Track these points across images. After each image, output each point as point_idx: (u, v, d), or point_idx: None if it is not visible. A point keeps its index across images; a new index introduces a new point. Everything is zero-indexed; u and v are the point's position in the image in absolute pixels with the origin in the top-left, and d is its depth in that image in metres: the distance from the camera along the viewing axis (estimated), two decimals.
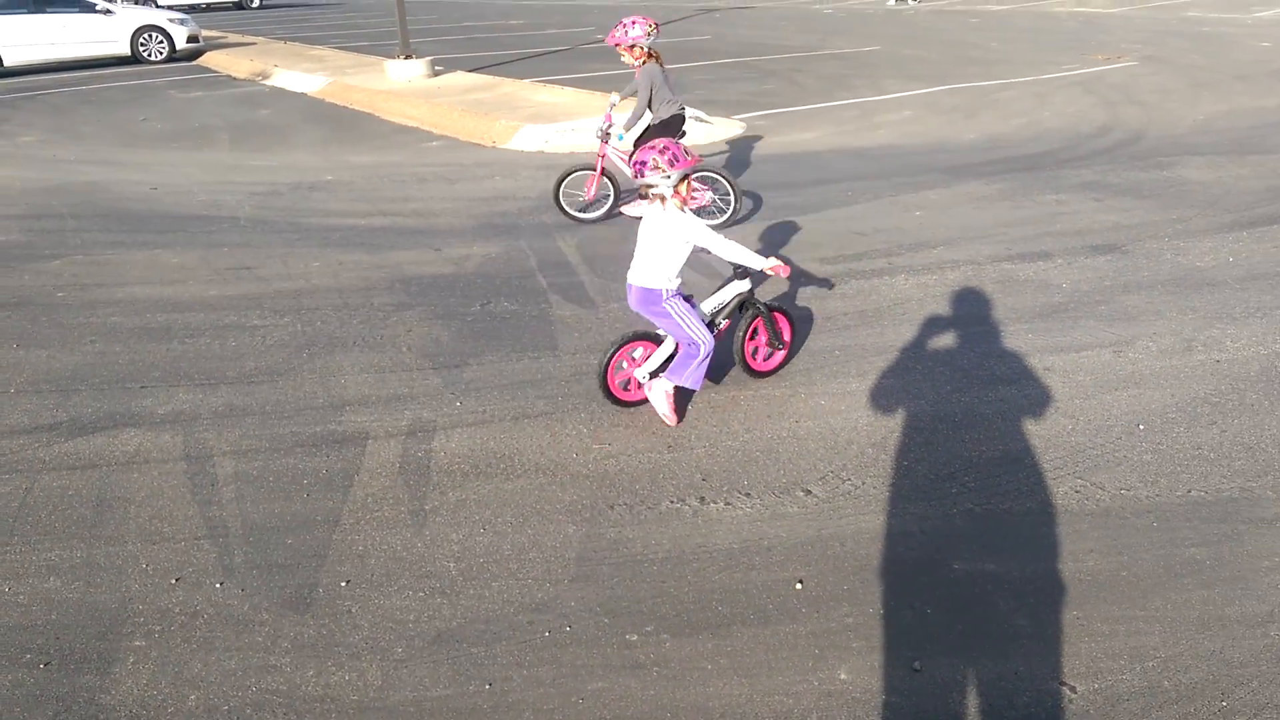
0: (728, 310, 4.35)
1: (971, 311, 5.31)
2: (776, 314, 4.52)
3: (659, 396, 4.20)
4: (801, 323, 5.23)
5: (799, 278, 5.88)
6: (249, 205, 8.13)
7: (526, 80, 14.22)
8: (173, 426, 4.26)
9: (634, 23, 6.70)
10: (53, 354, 5.08)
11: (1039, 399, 4.28)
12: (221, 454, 4.02)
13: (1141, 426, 4.01)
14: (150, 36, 19.69)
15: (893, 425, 4.11)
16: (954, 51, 17.10)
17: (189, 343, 5.19)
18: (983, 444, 3.92)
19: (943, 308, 5.38)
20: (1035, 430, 4.01)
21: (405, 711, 2.63)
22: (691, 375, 4.11)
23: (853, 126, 10.91)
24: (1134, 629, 2.85)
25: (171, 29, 19.94)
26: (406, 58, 14.94)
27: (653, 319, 4.13)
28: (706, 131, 10.69)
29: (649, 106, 6.90)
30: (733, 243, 4.04)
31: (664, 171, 3.95)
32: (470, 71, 15.50)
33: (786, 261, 4.59)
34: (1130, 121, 10.54)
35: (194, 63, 19.69)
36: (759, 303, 4.40)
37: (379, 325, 5.39)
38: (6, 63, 18.25)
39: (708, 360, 4.11)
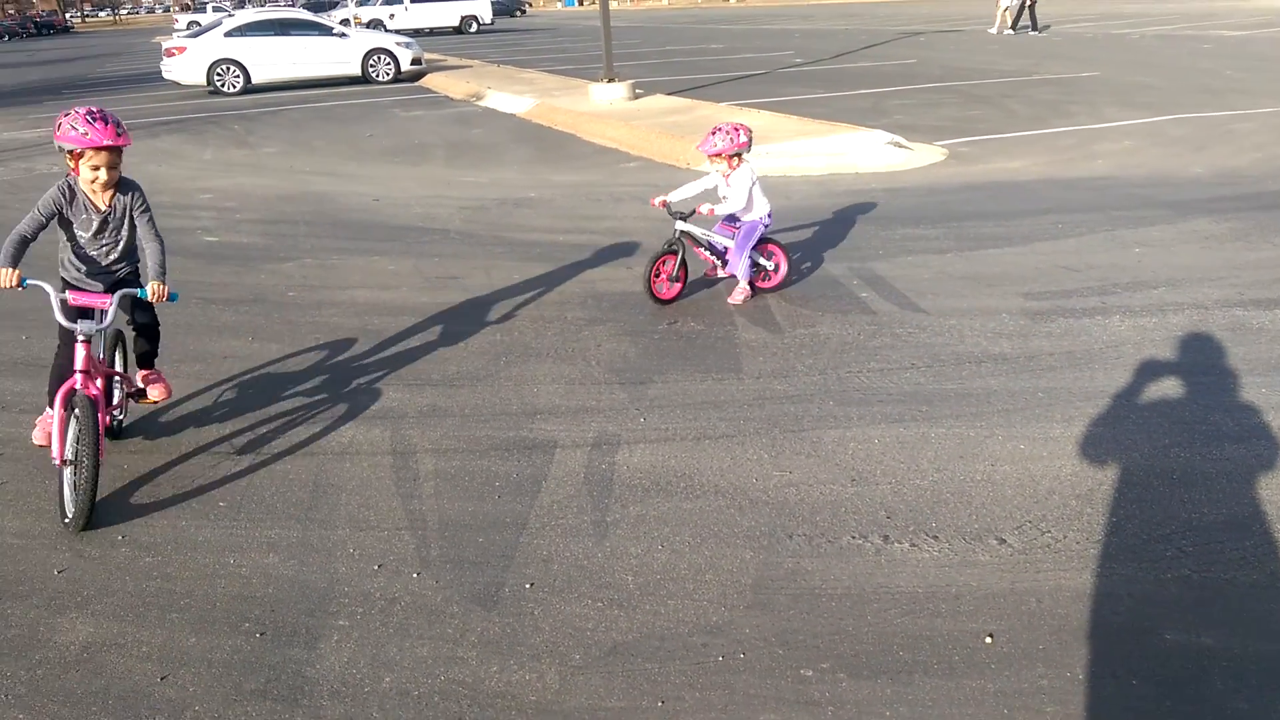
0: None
1: (1196, 359, 4.90)
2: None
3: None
4: (999, 362, 4.99)
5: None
6: (459, 219, 8.64)
7: (723, 104, 14.36)
8: (382, 422, 4.57)
9: None
10: (283, 348, 5.56)
11: (1273, 460, 3.88)
12: (424, 451, 4.27)
13: None
14: (379, 58, 21.32)
15: (1101, 477, 3.84)
16: (1183, 79, 15.89)
17: (400, 345, 5.56)
18: (1204, 505, 3.60)
19: (1163, 353, 4.99)
20: (1268, 495, 3.64)
21: (580, 718, 2.69)
22: None
23: (1067, 155, 10.33)
24: None
25: (398, 52, 21.51)
26: (610, 81, 15.43)
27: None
28: (906, 158, 10.44)
29: None
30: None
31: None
32: (669, 94, 15.82)
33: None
34: None
35: (416, 83, 21.13)
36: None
37: (571, 338, 5.57)
38: (254, 80, 20.25)
39: None
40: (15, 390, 5.05)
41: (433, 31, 40.12)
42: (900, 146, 10.84)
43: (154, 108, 18.28)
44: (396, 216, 8.82)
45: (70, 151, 3.79)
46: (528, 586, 3.29)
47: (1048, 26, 26.89)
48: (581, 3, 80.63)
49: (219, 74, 19.99)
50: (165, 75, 20.41)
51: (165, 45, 20.79)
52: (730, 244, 6.10)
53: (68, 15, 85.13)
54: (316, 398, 4.88)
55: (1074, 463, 3.97)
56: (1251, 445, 4.02)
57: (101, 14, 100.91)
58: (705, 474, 4.02)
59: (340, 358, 5.39)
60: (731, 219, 6.12)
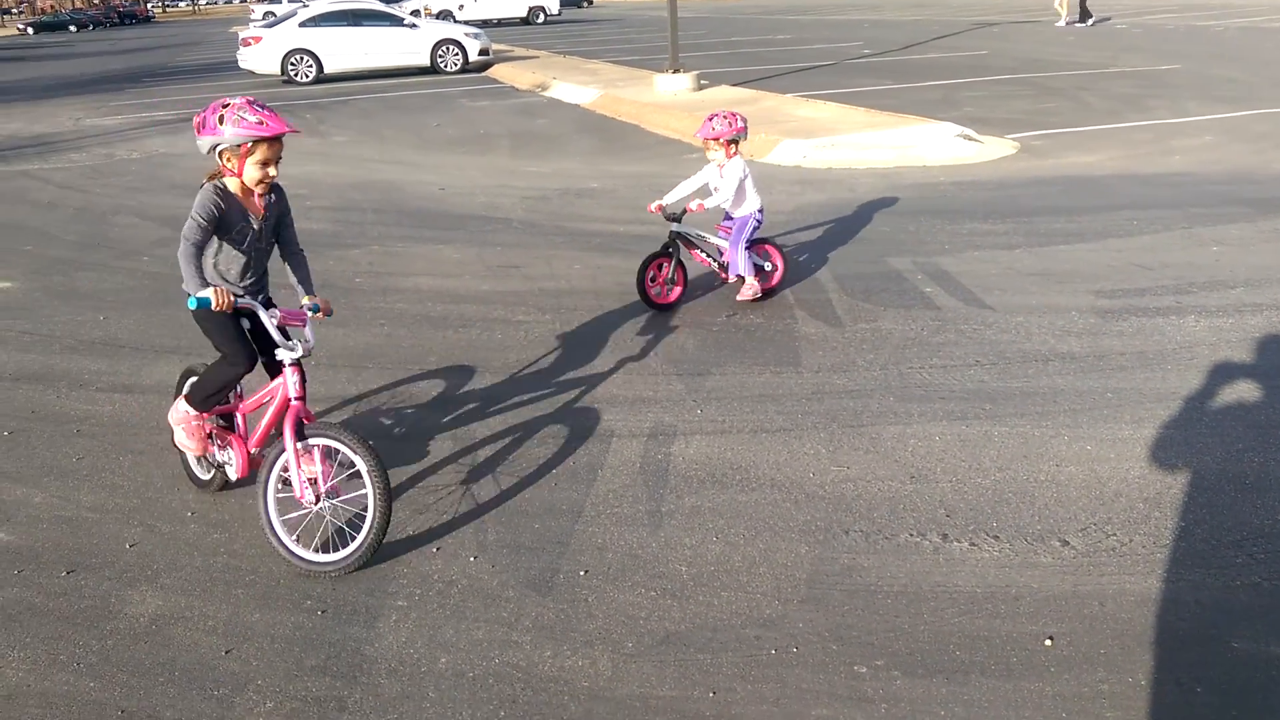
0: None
1: (1274, 362, 4.72)
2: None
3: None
4: (1067, 361, 4.87)
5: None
6: (521, 208, 8.71)
7: (789, 95, 14.22)
8: (442, 407, 4.65)
9: None
10: (348, 333, 5.68)
11: None
12: (483, 437, 4.33)
13: None
14: (448, 49, 21.57)
15: (1170, 481, 3.73)
16: (1268, 72, 15.27)
17: (462, 332, 5.64)
18: (1278, 512, 3.47)
19: (1239, 355, 4.82)
20: None
21: (631, 706, 2.71)
22: None
23: (1144, 150, 10.02)
24: None
25: (466, 43, 21.74)
26: (674, 72, 15.40)
27: None
28: (976, 151, 10.23)
29: None
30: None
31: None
32: (734, 85, 15.72)
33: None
34: None
35: (483, 74, 21.34)
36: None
37: (630, 329, 5.59)
38: (327, 69, 20.66)
39: None
40: (93, 369, 5.25)
41: (500, 22, 40.44)
42: (970, 139, 10.62)
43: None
44: (461, 205, 8.94)
45: (230, 149, 3.27)
46: (582, 573, 3.32)
47: (1107, 19, 25.98)
48: None
49: (293, 63, 20.42)
50: (241, 64, 20.91)
51: (242, 35, 21.29)
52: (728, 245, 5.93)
53: (149, 5, 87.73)
54: (378, 382, 4.97)
55: (1142, 465, 3.86)
56: None
57: (181, 4, 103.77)
58: (761, 467, 4.00)
59: (403, 344, 5.49)
60: (728, 218, 5.94)
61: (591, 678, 2.82)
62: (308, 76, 20.50)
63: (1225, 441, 4.00)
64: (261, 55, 20.43)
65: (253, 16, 43.07)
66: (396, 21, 21.48)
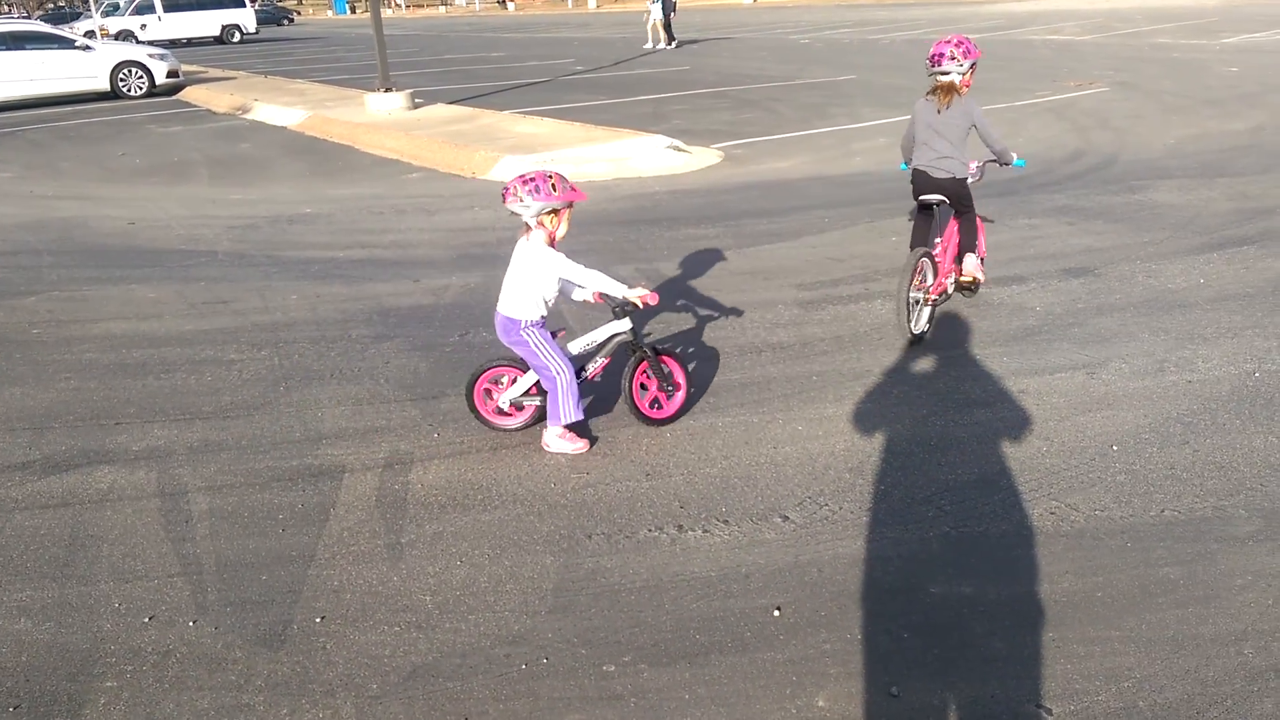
0: (604, 350, 4.34)
1: (947, 335, 5.36)
2: (664, 358, 4.40)
3: (556, 443, 4.25)
4: (778, 350, 5.26)
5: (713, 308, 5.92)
6: (227, 239, 8.13)
7: (506, 112, 14.32)
8: (147, 463, 4.23)
9: None
10: (27, 391, 5.03)
11: (1014, 422, 4.31)
12: (196, 490, 3.99)
13: (1115, 448, 4.05)
14: (130, 72, 19.79)
15: (870, 449, 4.13)
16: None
17: (164, 378, 5.16)
18: (959, 467, 3.94)
19: None
20: (1010, 453, 4.04)
21: None
22: (564, 408, 4.12)
23: (830, 154, 11.03)
24: (1109, 649, 2.85)
25: (151, 64, 20.04)
26: (386, 90, 15.03)
27: (513, 348, 4.19)
28: (685, 161, 10.80)
29: None
30: (593, 271, 4.10)
31: (522, 201, 3.96)
32: (451, 103, 15.60)
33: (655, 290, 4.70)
34: (1102, 146, 10.71)
35: (174, 97, 19.74)
36: (643, 346, 4.34)
37: (356, 357, 5.38)
38: None
39: (573, 387, 4.12)
40: None
41: (190, 42, 37.65)
42: (680, 150, 11.20)
43: None
44: (156, 240, 8.19)
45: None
46: (318, 620, 3.15)
47: (693, 41, 27.75)
48: (353, 10, 78.01)
49: None
50: None
51: None
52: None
53: None
54: (68, 444, 4.45)
55: (846, 438, 4.25)
56: (996, 409, 4.45)
57: None
58: (503, 484, 3.99)
59: (94, 397, 4.94)
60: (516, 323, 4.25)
61: None
62: None
63: (913, 409, 4.48)
64: None
65: None
66: (66, 44, 19.40)
